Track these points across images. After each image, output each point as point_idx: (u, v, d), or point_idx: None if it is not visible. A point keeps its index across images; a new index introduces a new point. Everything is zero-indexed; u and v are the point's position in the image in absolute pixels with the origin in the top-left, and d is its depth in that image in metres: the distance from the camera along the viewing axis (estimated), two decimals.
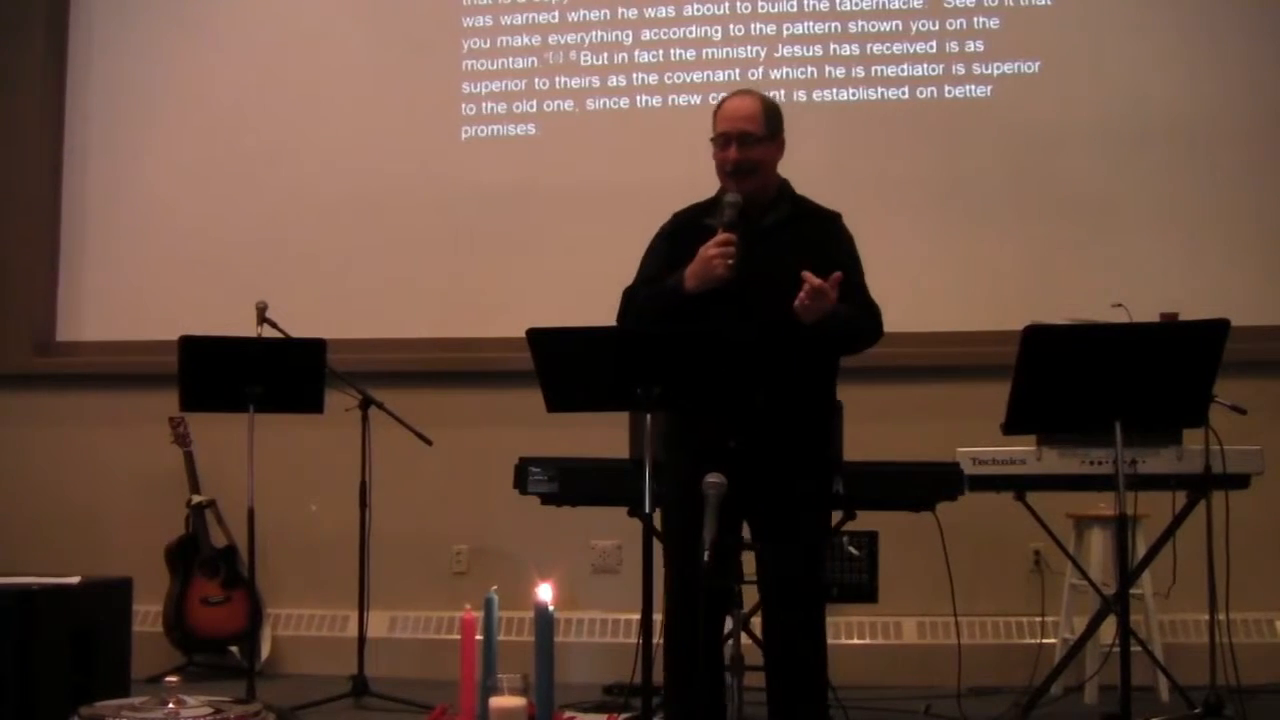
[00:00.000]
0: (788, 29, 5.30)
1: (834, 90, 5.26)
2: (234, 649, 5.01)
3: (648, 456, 2.97)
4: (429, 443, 4.64)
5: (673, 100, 5.30)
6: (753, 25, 5.31)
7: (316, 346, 4.32)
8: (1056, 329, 3.27)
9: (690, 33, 5.34)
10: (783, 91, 5.19)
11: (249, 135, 5.54)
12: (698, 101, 5.17)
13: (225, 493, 5.09)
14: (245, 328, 4.47)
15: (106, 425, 5.45)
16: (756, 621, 3.67)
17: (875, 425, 4.39)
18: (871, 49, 5.25)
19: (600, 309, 3.40)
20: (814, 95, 5.26)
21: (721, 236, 3.16)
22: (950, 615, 4.32)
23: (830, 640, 3.42)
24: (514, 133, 5.40)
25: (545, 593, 2.77)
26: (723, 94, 3.48)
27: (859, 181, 5.07)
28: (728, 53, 5.32)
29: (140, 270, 5.57)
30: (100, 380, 5.46)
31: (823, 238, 3.34)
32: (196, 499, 5.14)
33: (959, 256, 5.16)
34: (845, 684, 3.98)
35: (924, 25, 5.24)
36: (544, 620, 2.78)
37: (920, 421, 4.90)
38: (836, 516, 3.93)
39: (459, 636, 2.96)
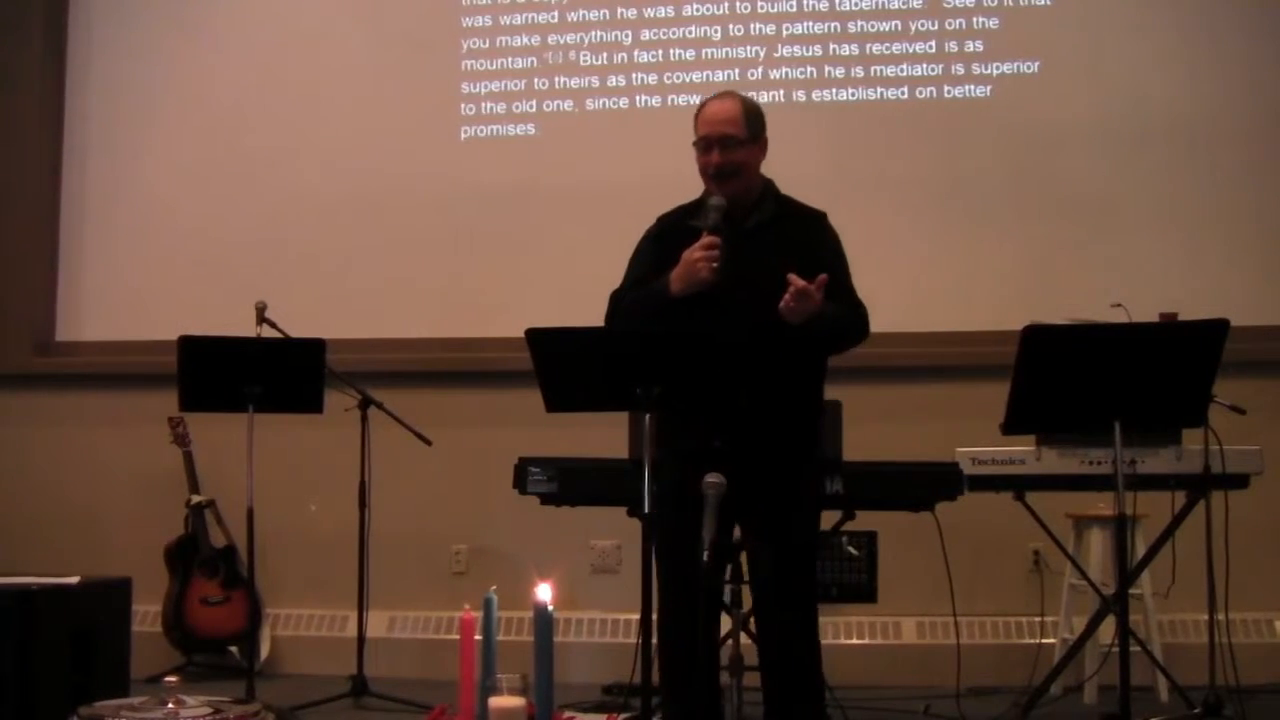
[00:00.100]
0: (787, 29, 5.29)
1: (833, 90, 5.25)
2: (233, 649, 5.01)
3: (647, 456, 2.97)
4: (428, 443, 4.64)
5: (672, 100, 5.29)
6: (752, 25, 5.31)
7: (316, 346, 4.32)
8: (1056, 329, 3.27)
9: (690, 33, 5.33)
10: (782, 91, 5.20)
11: (249, 135, 5.53)
12: (697, 101, 5.10)
13: (225, 493, 5.09)
14: (245, 328, 4.47)
15: (106, 425, 5.44)
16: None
17: (875, 425, 4.40)
18: (871, 49, 5.25)
19: (600, 309, 3.41)
20: (813, 95, 5.26)
21: (706, 240, 3.16)
22: (950, 615, 4.31)
23: (830, 640, 3.43)
24: (513, 133, 5.40)
25: (544, 593, 2.76)
26: None
27: (858, 181, 5.08)
28: (727, 53, 5.31)
29: (140, 270, 5.56)
30: (100, 380, 5.45)
31: (808, 237, 3.34)
32: (196, 499, 5.14)
33: (959, 256, 5.16)
34: (844, 684, 3.98)
35: (923, 25, 5.23)
36: (543, 620, 2.77)
37: (920, 421, 4.90)
38: (836, 516, 3.94)
39: (458, 636, 2.95)
